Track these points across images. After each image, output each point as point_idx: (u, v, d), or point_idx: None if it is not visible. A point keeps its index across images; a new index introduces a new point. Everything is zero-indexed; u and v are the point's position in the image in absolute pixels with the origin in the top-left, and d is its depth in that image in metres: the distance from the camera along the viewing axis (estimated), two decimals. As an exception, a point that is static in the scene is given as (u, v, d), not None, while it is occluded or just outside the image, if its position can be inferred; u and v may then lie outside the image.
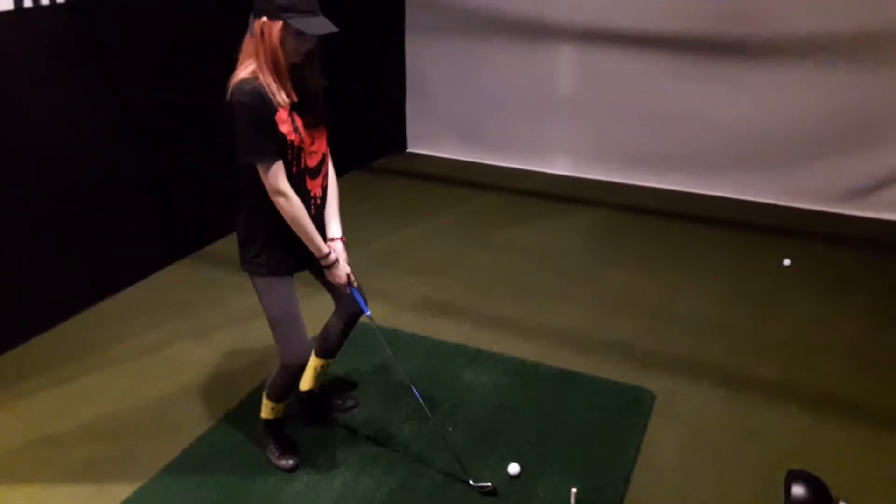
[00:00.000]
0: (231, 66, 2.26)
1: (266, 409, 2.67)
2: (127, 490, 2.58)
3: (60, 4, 3.37)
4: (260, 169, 2.24)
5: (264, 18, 2.15)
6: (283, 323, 2.44)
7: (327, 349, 2.78)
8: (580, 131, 5.61)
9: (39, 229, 3.47)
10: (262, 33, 2.16)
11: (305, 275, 2.55)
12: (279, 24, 2.14)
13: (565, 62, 5.45)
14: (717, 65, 4.96)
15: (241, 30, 2.23)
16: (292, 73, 2.24)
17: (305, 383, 2.87)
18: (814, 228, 4.77)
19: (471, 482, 2.57)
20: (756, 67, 4.86)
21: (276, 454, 2.69)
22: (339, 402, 3.01)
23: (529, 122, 5.74)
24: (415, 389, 2.66)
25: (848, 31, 4.57)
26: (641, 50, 5.14)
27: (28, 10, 3.23)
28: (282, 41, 2.16)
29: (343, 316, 2.67)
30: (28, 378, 3.21)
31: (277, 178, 2.25)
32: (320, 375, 2.86)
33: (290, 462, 2.67)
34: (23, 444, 2.83)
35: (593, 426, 2.90)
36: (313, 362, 2.82)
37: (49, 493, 2.59)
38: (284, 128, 2.23)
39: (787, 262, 4.25)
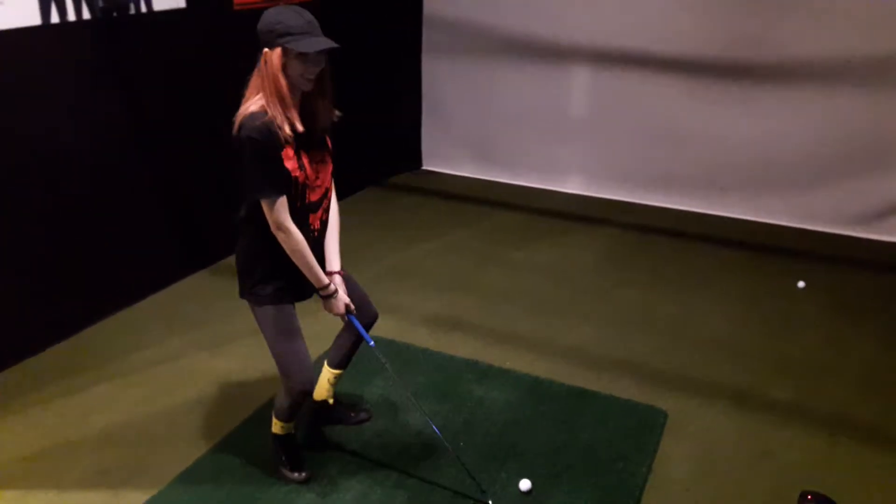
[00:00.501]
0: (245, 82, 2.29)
1: (276, 427, 2.69)
2: (140, 498, 2.60)
3: (86, 20, 3.44)
4: (264, 204, 2.25)
5: (266, 49, 2.17)
6: (285, 353, 2.44)
7: (339, 361, 2.81)
8: (594, 151, 5.64)
9: (58, 240, 3.53)
10: (265, 64, 2.18)
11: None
12: (278, 50, 2.15)
13: (580, 83, 5.50)
14: (730, 87, 4.99)
15: (256, 43, 2.24)
16: (304, 105, 2.25)
17: (319, 393, 2.90)
18: (828, 251, 4.76)
19: (489, 503, 2.58)
20: (770, 90, 4.88)
21: (287, 467, 2.70)
22: (353, 414, 3.02)
23: (544, 142, 5.78)
24: (431, 422, 2.68)
25: (861, 55, 4.59)
26: (656, 72, 5.18)
27: (55, 25, 3.31)
28: (284, 67, 2.16)
29: (354, 331, 2.70)
30: (45, 386, 3.25)
31: (281, 213, 2.26)
32: (333, 385, 2.89)
33: (303, 475, 2.68)
34: (38, 451, 2.86)
35: (605, 444, 2.89)
36: (326, 373, 2.85)
37: (63, 500, 2.61)
38: (290, 164, 2.24)
39: (801, 284, 4.24)
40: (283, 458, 2.71)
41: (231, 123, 2.25)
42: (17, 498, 2.61)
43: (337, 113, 2.39)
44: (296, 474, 2.68)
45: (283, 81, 2.17)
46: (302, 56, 2.16)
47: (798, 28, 4.69)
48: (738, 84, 4.96)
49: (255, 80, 2.24)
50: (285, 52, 2.15)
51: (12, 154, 3.26)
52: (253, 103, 2.21)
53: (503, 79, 5.72)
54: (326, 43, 2.16)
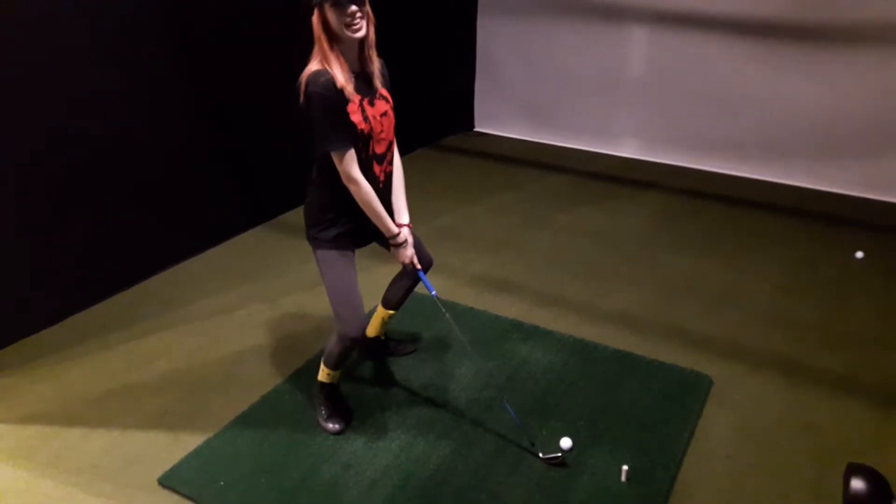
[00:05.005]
0: (306, 42, 2.35)
1: (322, 374, 2.78)
2: (198, 439, 2.74)
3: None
4: (334, 157, 2.36)
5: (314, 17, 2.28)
6: (342, 296, 2.53)
7: (395, 303, 2.96)
8: (650, 114, 5.55)
9: (126, 197, 3.66)
10: (312, 26, 2.29)
11: (370, 247, 2.67)
12: (316, 11, 2.26)
13: (637, 44, 5.39)
14: (793, 50, 4.83)
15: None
16: (347, 55, 2.33)
17: (371, 330, 3.07)
18: (888, 221, 4.62)
19: (540, 454, 2.64)
20: (835, 54, 4.71)
21: (325, 416, 2.79)
22: (401, 347, 3.23)
23: (598, 104, 5.70)
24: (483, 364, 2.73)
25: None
26: (716, 33, 5.04)
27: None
28: (324, 24, 2.26)
29: (410, 277, 2.82)
30: (110, 331, 3.42)
31: (350, 165, 2.36)
32: (385, 324, 3.05)
33: (337, 426, 2.77)
34: (103, 392, 3.02)
35: (648, 407, 2.91)
36: (380, 313, 3.01)
37: (127, 438, 2.76)
38: (356, 118, 2.34)
39: (859, 254, 4.13)
40: (323, 407, 2.81)
41: (293, 82, 2.34)
42: (84, 435, 2.78)
43: (379, 61, 2.45)
44: (331, 425, 2.77)
45: (324, 38, 2.28)
46: (334, 6, 2.24)
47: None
48: (803, 47, 4.79)
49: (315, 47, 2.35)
50: (321, 9, 2.25)
51: (83, 115, 3.39)
52: (313, 64, 2.32)
53: (559, 39, 5.64)
54: None
